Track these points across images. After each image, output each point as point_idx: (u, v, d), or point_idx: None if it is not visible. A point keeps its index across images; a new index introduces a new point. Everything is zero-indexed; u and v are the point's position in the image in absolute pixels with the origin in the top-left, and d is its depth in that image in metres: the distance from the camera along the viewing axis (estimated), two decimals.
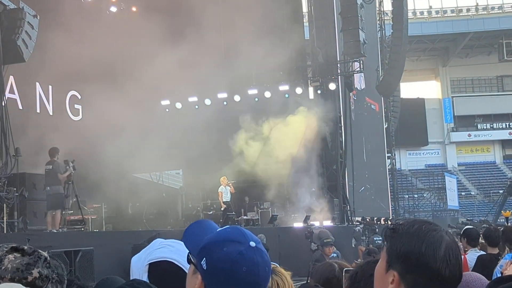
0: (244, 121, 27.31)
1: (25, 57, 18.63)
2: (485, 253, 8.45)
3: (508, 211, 17.35)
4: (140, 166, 26.76)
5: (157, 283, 2.22)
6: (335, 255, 10.89)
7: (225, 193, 24.18)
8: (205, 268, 1.98)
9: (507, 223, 14.41)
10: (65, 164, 16.39)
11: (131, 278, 2.83)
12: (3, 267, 2.19)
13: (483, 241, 8.96)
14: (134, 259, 2.93)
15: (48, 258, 2.30)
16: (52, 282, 2.32)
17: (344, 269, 3.19)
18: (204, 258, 1.98)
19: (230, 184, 24.39)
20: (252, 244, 1.99)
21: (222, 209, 24.14)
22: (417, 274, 2.13)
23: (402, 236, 2.19)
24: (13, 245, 2.25)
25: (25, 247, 2.24)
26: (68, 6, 24.09)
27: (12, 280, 2.17)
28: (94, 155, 22.84)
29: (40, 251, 2.27)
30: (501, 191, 57.95)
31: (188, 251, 2.10)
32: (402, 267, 2.16)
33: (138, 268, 2.83)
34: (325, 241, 11.18)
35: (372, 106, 39.99)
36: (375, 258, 2.93)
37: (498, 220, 42.06)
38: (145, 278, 2.76)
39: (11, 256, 2.20)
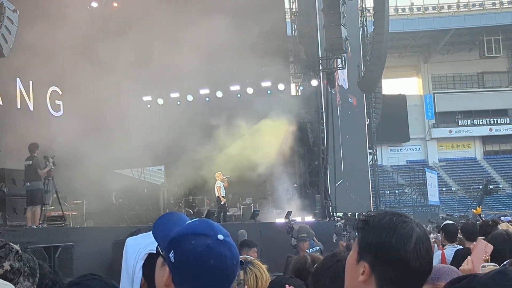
0: (227, 117, 27.27)
1: (4, 52, 18.54)
2: (462, 247, 8.52)
3: (478, 207, 17.49)
4: (121, 162, 26.69)
5: (152, 273, 2.23)
6: (317, 248, 10.94)
7: (222, 188, 24.32)
8: (173, 261, 1.99)
9: (481, 219, 14.52)
10: (45, 160, 16.30)
11: (123, 259, 2.82)
12: None
13: (461, 236, 9.04)
14: (131, 241, 2.89)
15: (20, 251, 2.30)
16: (24, 275, 2.32)
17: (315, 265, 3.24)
18: (172, 251, 1.99)
19: (225, 179, 24.48)
20: (220, 237, 2.00)
21: (222, 203, 24.23)
22: (387, 265, 2.15)
23: (373, 228, 2.20)
24: None
25: None
26: (48, 1, 23.94)
27: None
28: (75, 151, 22.73)
29: (11, 244, 2.27)
30: (481, 187, 58.38)
31: (157, 244, 2.12)
32: (372, 258, 2.17)
33: (135, 252, 2.80)
34: (300, 236, 11.24)
35: (350, 99, 39.98)
36: (334, 252, 2.99)
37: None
38: (139, 266, 2.74)
39: None
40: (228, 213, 25.17)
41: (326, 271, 2.83)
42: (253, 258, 3.63)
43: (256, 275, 3.37)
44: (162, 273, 2.06)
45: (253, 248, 9.02)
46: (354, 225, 2.32)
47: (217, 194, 24.06)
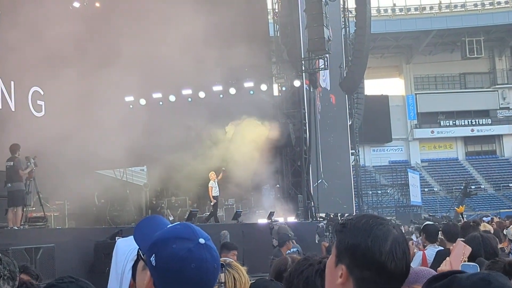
0: (209, 117, 27.24)
1: None
2: (443, 248, 8.57)
3: (461, 206, 17.61)
4: (103, 162, 26.57)
5: None
6: (295, 249, 10.95)
7: (215, 188, 24.54)
8: (154, 265, 1.99)
9: (463, 219, 14.63)
10: (26, 161, 16.23)
11: (113, 260, 2.82)
12: None
13: (442, 237, 9.10)
14: (122, 242, 2.90)
15: (0, 254, 2.29)
16: (4, 278, 2.31)
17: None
18: (154, 255, 1.99)
19: (221, 174, 24.74)
20: (201, 241, 2.01)
21: (212, 203, 24.49)
22: (363, 267, 2.16)
23: (350, 231, 2.22)
24: None
25: None
26: (30, 1, 23.80)
27: None
28: (57, 151, 22.60)
29: None
30: (461, 189, 58.73)
31: (138, 247, 2.11)
32: (349, 261, 2.19)
33: (125, 253, 2.80)
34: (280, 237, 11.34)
35: (330, 99, 39.86)
36: (306, 256, 3.00)
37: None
38: (129, 266, 2.74)
39: None
40: (205, 213, 25.28)
41: (299, 275, 2.82)
42: (232, 260, 3.64)
43: (234, 277, 3.38)
44: (143, 277, 2.06)
45: (232, 251, 9.00)
46: (333, 229, 2.34)
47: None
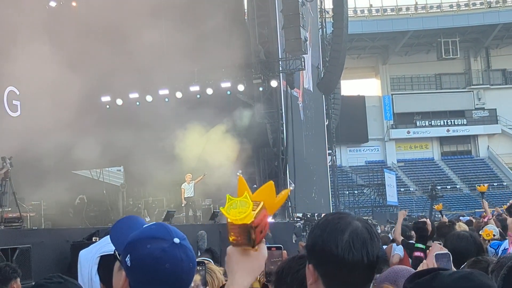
0: (186, 118, 27.19)
1: None
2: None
3: (440, 203, 17.75)
4: (80, 163, 26.45)
5: (107, 275, 2.24)
6: None
7: (188, 190, 24.81)
8: (129, 265, 2.00)
9: (442, 216, 14.76)
10: (2, 161, 16.14)
11: (79, 271, 2.83)
12: None
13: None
14: (83, 252, 2.91)
15: None
16: None
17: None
18: (128, 255, 2.00)
19: (200, 178, 24.94)
20: (176, 240, 2.02)
21: (182, 205, 24.82)
22: (324, 262, 2.18)
23: (313, 230, 2.26)
24: None
25: None
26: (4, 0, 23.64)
27: None
28: (33, 151, 22.47)
29: None
30: (439, 188, 59.07)
31: (112, 247, 2.13)
32: (314, 259, 2.22)
33: (88, 260, 2.81)
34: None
35: (295, 93, 38.60)
36: (301, 254, 2.95)
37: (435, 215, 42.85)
38: (94, 270, 2.74)
39: None
40: (193, 213, 25.34)
41: (293, 274, 2.69)
42: (208, 262, 3.64)
43: (206, 280, 3.35)
44: (119, 277, 2.07)
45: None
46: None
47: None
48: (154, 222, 2.15)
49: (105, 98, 30.11)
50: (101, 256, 2.78)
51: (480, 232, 8.80)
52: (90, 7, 27.02)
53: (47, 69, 24.45)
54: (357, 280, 2.20)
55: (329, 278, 2.19)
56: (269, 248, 2.91)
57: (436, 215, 33.56)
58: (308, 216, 28.67)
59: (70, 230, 16.50)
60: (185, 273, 2.03)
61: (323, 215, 2.36)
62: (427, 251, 4.09)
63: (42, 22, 24.87)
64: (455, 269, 2.71)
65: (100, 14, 25.34)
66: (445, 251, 3.46)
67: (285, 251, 2.76)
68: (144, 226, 2.13)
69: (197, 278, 2.32)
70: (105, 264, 2.75)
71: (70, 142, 23.58)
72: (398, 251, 10.89)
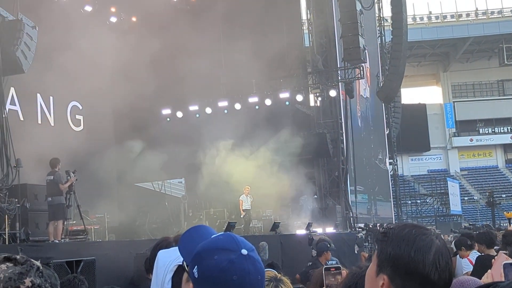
0: (246, 129, 27.22)
1: (24, 68, 18.67)
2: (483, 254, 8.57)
3: (510, 211, 17.38)
4: (142, 175, 26.78)
5: (179, 286, 2.21)
6: (334, 261, 10.86)
7: (245, 202, 24.94)
8: (196, 276, 1.95)
9: (510, 224, 14.42)
10: (66, 175, 16.39)
11: (154, 271, 2.82)
12: None
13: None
14: (162, 253, 2.89)
15: (41, 267, 2.29)
16: None
17: (324, 267, 3.22)
18: (196, 266, 1.96)
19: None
20: (244, 252, 1.96)
21: (241, 216, 24.84)
22: (406, 278, 2.14)
23: (392, 240, 2.20)
24: (5, 255, 2.24)
25: (18, 257, 2.23)
26: (68, 17, 24.13)
27: None
28: (96, 165, 22.84)
29: (32, 260, 2.26)
30: (504, 196, 57.82)
31: (177, 258, 2.09)
32: (391, 271, 2.17)
33: (165, 263, 2.79)
34: (319, 245, 11.36)
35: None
36: (358, 265, 2.93)
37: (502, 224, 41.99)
38: (168, 278, 2.72)
39: (3, 266, 2.19)
40: (250, 225, 25.38)
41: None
42: (282, 275, 3.63)
43: None
44: None
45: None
46: (374, 238, 2.31)
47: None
48: (222, 233, 2.09)
49: (166, 111, 30.41)
50: (179, 265, 2.75)
51: None
52: (150, 21, 27.41)
53: (109, 83, 24.89)
54: None
55: None
56: (328, 269, 3.10)
57: (502, 224, 32.80)
58: (370, 226, 28.32)
59: (133, 242, 16.67)
60: (253, 285, 1.96)
61: (396, 224, 2.27)
62: (492, 260, 3.93)
63: (102, 36, 25.28)
64: None
65: (158, 28, 25.72)
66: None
67: (344, 271, 2.86)
68: (212, 237, 2.07)
69: None
70: (181, 275, 2.73)
71: (133, 154, 23.88)
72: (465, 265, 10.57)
